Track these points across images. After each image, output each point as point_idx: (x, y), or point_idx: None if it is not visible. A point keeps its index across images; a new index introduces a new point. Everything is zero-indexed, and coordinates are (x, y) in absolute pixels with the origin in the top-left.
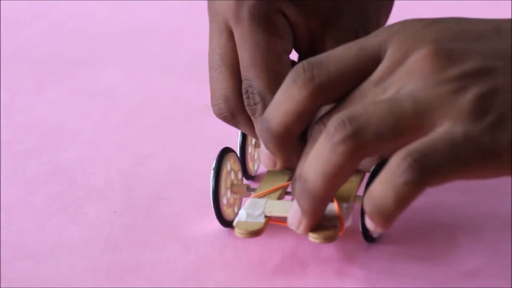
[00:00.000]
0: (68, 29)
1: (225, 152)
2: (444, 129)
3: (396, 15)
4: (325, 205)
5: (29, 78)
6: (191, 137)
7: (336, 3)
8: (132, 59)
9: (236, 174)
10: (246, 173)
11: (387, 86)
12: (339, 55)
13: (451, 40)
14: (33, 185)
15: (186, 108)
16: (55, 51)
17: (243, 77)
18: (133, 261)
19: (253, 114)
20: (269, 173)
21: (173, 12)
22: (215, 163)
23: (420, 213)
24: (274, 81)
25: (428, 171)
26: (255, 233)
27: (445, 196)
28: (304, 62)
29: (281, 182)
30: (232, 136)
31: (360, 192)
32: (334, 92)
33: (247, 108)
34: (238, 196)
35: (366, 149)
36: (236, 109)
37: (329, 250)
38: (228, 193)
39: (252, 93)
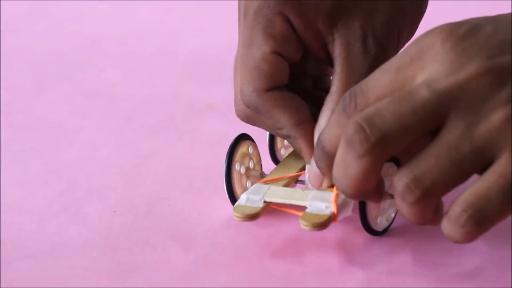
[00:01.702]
0: (68, 29)
1: (241, 137)
2: (499, 169)
3: None
4: None
5: (29, 78)
6: (191, 137)
7: (340, 3)
8: (132, 59)
9: (254, 161)
10: (275, 158)
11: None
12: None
13: (497, 53)
14: (33, 185)
15: (186, 108)
16: (55, 51)
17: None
18: (133, 261)
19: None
20: (285, 161)
21: (173, 12)
22: (230, 146)
23: None
24: (257, 78)
25: (485, 221)
26: (250, 217)
27: (445, 197)
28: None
29: (294, 170)
30: (232, 136)
31: None
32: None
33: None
34: (252, 182)
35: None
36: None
37: (329, 249)
38: (244, 179)
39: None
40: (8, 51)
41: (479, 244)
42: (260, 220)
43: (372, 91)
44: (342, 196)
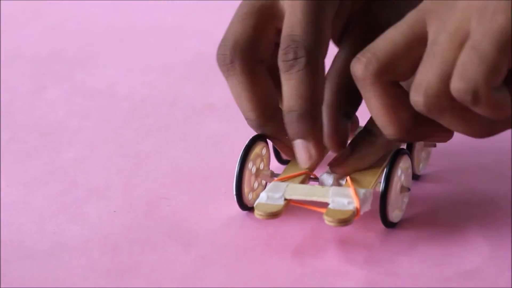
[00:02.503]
0: (68, 29)
1: (256, 139)
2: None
3: None
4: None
5: (29, 78)
6: (191, 137)
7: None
8: (132, 59)
9: (264, 163)
10: (280, 158)
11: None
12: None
13: None
14: (33, 185)
15: (186, 108)
16: (55, 51)
17: (286, 33)
18: (133, 261)
19: (288, 70)
20: (294, 160)
21: (173, 12)
22: (244, 148)
23: (421, 214)
24: (323, 40)
25: None
26: (273, 215)
27: (445, 197)
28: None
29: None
30: (232, 136)
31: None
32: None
33: (282, 63)
34: (261, 181)
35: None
36: (240, 57)
37: (329, 249)
38: (253, 179)
39: (295, 47)
40: (8, 51)
41: (479, 244)
42: (260, 220)
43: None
44: (363, 191)
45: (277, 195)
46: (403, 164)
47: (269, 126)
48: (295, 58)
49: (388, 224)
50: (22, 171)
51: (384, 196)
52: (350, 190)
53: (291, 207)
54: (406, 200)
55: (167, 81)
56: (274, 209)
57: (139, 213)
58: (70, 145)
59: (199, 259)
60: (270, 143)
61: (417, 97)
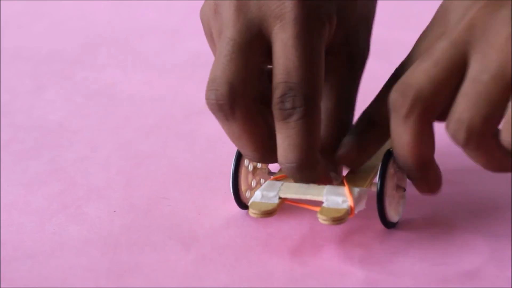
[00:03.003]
0: (68, 29)
1: None
2: None
3: (395, 15)
4: None
5: (29, 78)
6: (191, 137)
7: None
8: (132, 59)
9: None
10: None
11: None
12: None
13: None
14: (33, 185)
15: (186, 108)
16: (55, 51)
17: (280, 80)
18: (133, 261)
19: (285, 119)
20: None
21: (173, 12)
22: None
23: (420, 214)
24: (320, 84)
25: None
26: (267, 213)
27: (445, 197)
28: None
29: None
30: None
31: (376, 180)
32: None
33: (277, 112)
34: (259, 180)
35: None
36: (240, 102)
37: (329, 249)
38: (250, 177)
39: (293, 96)
40: (8, 51)
41: (479, 244)
42: (260, 220)
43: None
44: (357, 190)
45: (272, 194)
46: (396, 164)
47: (274, 158)
48: (293, 108)
49: (388, 224)
50: (22, 171)
51: (380, 196)
52: (345, 189)
53: (290, 207)
54: (403, 199)
55: (167, 81)
56: (268, 208)
57: (139, 213)
58: (70, 145)
59: (199, 259)
60: None
61: (459, 133)
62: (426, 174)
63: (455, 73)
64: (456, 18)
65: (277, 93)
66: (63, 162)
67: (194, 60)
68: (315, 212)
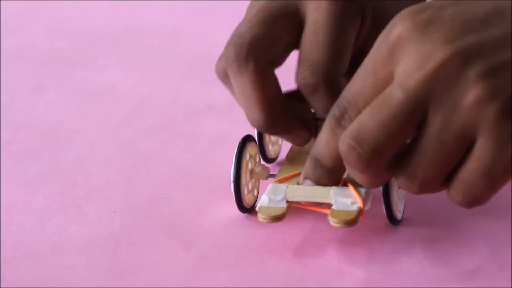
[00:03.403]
0: (68, 29)
1: (246, 140)
2: (477, 155)
3: None
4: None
5: (29, 78)
6: (191, 137)
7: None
8: (132, 59)
9: (254, 160)
10: (265, 157)
11: None
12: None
13: (460, 34)
14: (33, 185)
15: (186, 108)
16: (55, 51)
17: (304, 55)
18: (133, 261)
19: (312, 94)
20: (288, 158)
21: (173, 12)
22: (237, 151)
23: (420, 214)
24: (343, 69)
25: (476, 203)
26: (277, 218)
27: (445, 198)
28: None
29: (301, 168)
30: (232, 136)
31: None
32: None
33: (302, 87)
34: (256, 181)
35: None
36: (255, 56)
37: (329, 249)
38: (247, 178)
39: (315, 72)
40: (8, 51)
41: (479, 244)
42: (259, 220)
43: (359, 100)
44: (363, 190)
45: (279, 198)
46: None
47: (279, 126)
48: (316, 84)
49: (394, 221)
50: (22, 171)
51: (386, 193)
52: (351, 190)
53: (292, 206)
54: (404, 195)
55: (167, 81)
56: (278, 212)
57: (139, 213)
58: (70, 145)
59: (199, 259)
60: (256, 141)
61: (411, 187)
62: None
63: (412, 127)
64: (410, 64)
65: (300, 69)
66: (63, 162)
67: (194, 60)
68: (317, 212)
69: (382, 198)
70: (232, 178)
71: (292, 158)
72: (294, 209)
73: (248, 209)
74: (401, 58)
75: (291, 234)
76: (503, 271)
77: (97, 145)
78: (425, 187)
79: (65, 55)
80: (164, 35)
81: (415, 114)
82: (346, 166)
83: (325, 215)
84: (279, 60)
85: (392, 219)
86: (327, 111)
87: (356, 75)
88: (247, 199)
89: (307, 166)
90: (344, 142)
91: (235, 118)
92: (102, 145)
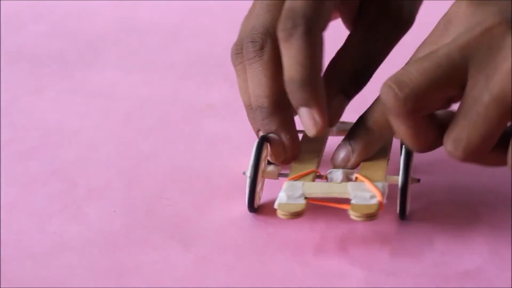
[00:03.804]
0: (68, 29)
1: (264, 140)
2: None
3: None
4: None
5: (29, 78)
6: (191, 137)
7: None
8: (132, 59)
9: (264, 161)
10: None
11: None
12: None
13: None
14: (33, 185)
15: (186, 108)
16: (55, 51)
17: (287, 5)
18: (133, 261)
19: (287, 39)
20: (298, 160)
21: (173, 12)
22: (255, 152)
23: (420, 214)
24: (323, 12)
25: None
26: (297, 214)
27: (445, 197)
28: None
29: (312, 165)
30: (232, 136)
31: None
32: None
33: (281, 32)
34: (262, 181)
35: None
36: (270, 44)
37: (330, 249)
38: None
39: (294, 16)
40: (8, 51)
41: (479, 244)
42: (259, 220)
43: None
44: (381, 184)
45: (297, 194)
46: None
47: (277, 117)
48: (294, 27)
49: (405, 216)
50: (22, 171)
51: (404, 189)
52: (368, 185)
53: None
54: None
55: (167, 81)
56: (298, 208)
57: (139, 213)
58: (70, 145)
59: (199, 259)
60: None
61: (456, 151)
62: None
63: (454, 81)
64: (461, 31)
65: (281, 18)
66: (63, 162)
67: (194, 60)
68: (317, 212)
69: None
70: (249, 175)
71: (301, 160)
72: None
73: (256, 209)
74: (455, 28)
75: (291, 234)
76: (503, 271)
77: (97, 145)
78: (470, 152)
79: (65, 55)
80: (164, 35)
81: (458, 68)
82: (386, 110)
83: (325, 214)
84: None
85: (404, 215)
86: (306, 55)
87: (414, 54)
88: (256, 198)
89: (353, 130)
90: (385, 84)
91: (235, 118)
92: (102, 145)
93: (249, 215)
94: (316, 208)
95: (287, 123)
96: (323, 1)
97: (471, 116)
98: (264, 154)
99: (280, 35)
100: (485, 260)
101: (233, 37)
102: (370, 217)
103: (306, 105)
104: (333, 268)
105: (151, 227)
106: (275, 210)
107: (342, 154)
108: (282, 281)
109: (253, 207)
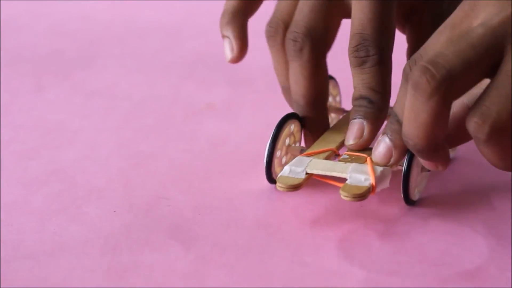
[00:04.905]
0: (68, 29)
1: (289, 117)
2: None
3: None
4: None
5: (29, 78)
6: (191, 137)
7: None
8: (132, 59)
9: (295, 138)
10: (270, 178)
11: None
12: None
13: None
14: (33, 185)
15: (186, 108)
16: (55, 51)
17: (355, 31)
18: (133, 261)
19: (360, 65)
20: (325, 135)
21: (173, 11)
22: (278, 123)
23: (420, 214)
24: (391, 38)
25: None
26: (293, 187)
27: (445, 197)
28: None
29: (333, 145)
30: (232, 136)
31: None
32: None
33: (353, 59)
34: (291, 156)
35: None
36: (310, 45)
37: (329, 249)
38: (282, 153)
39: (367, 45)
40: (8, 51)
41: (479, 244)
42: (259, 220)
43: (430, 51)
44: (380, 169)
45: (299, 169)
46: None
47: (309, 115)
48: (367, 56)
49: (410, 201)
50: (22, 171)
51: (406, 176)
52: (368, 167)
53: (292, 206)
54: (425, 181)
55: (167, 81)
56: (295, 182)
57: (139, 213)
58: (70, 145)
59: (199, 259)
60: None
61: (483, 126)
62: (436, 154)
63: (488, 60)
64: (492, 11)
65: (352, 43)
66: (63, 162)
67: (194, 60)
68: (318, 212)
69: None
70: (267, 146)
71: (328, 137)
72: (295, 209)
73: (275, 181)
74: (484, 10)
75: (291, 234)
76: (503, 271)
77: (97, 145)
78: (497, 128)
79: (65, 55)
80: (164, 35)
81: (492, 48)
82: (414, 93)
83: (326, 214)
84: (329, 48)
85: (408, 200)
86: (369, 85)
87: (433, 35)
88: (278, 171)
89: (387, 123)
90: (419, 65)
91: (235, 118)
92: (102, 145)
93: (249, 215)
94: (316, 208)
95: (318, 122)
96: (390, 26)
97: (503, 89)
98: (288, 130)
99: (353, 60)
100: (485, 260)
101: None
102: (358, 197)
103: (364, 117)
104: (333, 268)
105: (151, 227)
106: (275, 210)
107: (382, 151)
108: (282, 281)
109: (270, 177)
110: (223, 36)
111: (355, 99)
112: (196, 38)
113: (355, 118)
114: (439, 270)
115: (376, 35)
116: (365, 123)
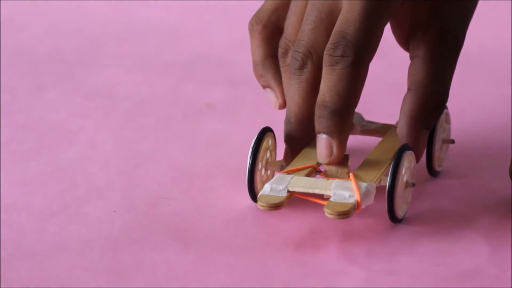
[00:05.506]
0: (68, 29)
1: (265, 132)
2: None
3: None
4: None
5: (29, 78)
6: (191, 137)
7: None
8: (132, 59)
9: (271, 153)
10: (253, 194)
11: None
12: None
13: None
14: (33, 185)
15: (186, 108)
16: (55, 51)
17: (338, 29)
18: (133, 261)
19: (332, 65)
20: (304, 152)
21: (173, 12)
22: (254, 141)
23: (421, 214)
24: (373, 44)
25: None
26: (275, 206)
27: (445, 197)
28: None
29: (314, 161)
30: (232, 136)
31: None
32: None
33: (327, 57)
34: (271, 172)
35: None
36: (311, 65)
37: (330, 249)
38: (263, 171)
39: (345, 45)
40: (8, 51)
41: (479, 244)
42: (260, 220)
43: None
44: (365, 185)
45: (281, 187)
46: (408, 160)
47: (296, 136)
48: (342, 56)
49: (395, 219)
50: (22, 171)
51: (391, 192)
52: (352, 183)
53: (292, 206)
54: (410, 195)
55: (167, 81)
56: (277, 201)
57: (139, 213)
58: (70, 145)
59: (199, 259)
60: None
61: None
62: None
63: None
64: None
65: (331, 40)
66: (63, 162)
67: (194, 60)
68: (318, 212)
69: (386, 196)
70: (248, 164)
71: (307, 153)
72: (295, 208)
73: (255, 198)
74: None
75: (291, 234)
76: (503, 271)
77: (97, 145)
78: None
79: (65, 55)
80: (164, 35)
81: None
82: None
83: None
84: None
85: (394, 218)
86: (335, 88)
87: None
88: (260, 188)
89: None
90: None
91: (235, 118)
92: (102, 145)
93: (249, 215)
94: (317, 208)
95: (302, 142)
96: (376, 32)
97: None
98: (266, 144)
99: (326, 58)
100: (485, 260)
101: (233, 37)
102: (343, 215)
103: (330, 134)
104: (333, 268)
105: (151, 227)
106: (277, 210)
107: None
108: (282, 281)
109: (254, 194)
110: (263, 87)
111: (318, 105)
112: (196, 38)
113: (320, 133)
114: (439, 270)
115: (358, 36)
116: (331, 139)
